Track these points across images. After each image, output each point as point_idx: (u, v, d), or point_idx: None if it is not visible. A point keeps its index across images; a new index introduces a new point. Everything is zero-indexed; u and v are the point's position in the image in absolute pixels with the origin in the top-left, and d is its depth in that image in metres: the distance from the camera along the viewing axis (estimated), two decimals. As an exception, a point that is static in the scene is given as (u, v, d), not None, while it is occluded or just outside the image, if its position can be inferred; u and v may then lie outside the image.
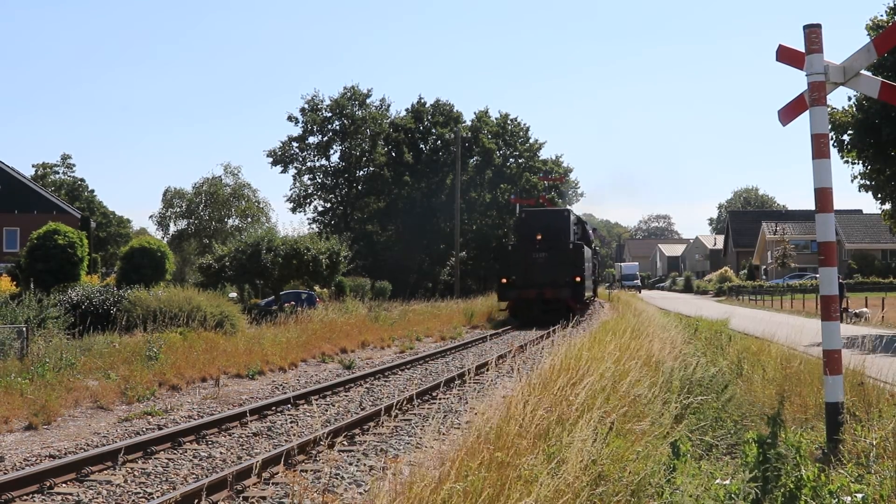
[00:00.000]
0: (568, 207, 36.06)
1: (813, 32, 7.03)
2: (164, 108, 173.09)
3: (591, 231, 46.14)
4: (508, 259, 34.78)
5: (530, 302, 32.94)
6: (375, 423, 10.76)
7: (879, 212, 29.00)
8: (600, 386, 7.06)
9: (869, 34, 23.60)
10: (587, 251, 36.28)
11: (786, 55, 7.38)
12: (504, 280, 33.90)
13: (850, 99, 24.88)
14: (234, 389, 14.81)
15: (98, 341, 16.98)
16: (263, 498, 7.18)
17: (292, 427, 10.86)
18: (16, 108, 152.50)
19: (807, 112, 7.24)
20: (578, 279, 33.18)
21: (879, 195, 25.91)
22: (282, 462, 8.04)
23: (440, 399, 12.94)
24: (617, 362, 8.46)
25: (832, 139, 24.65)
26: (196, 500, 6.77)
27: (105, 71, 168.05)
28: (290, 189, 67.98)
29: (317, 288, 39.93)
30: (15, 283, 27.30)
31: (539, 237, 33.50)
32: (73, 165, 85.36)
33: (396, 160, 66.22)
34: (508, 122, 69.13)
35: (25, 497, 7.41)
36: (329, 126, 66.92)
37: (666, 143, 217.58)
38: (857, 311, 30.85)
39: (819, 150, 7.01)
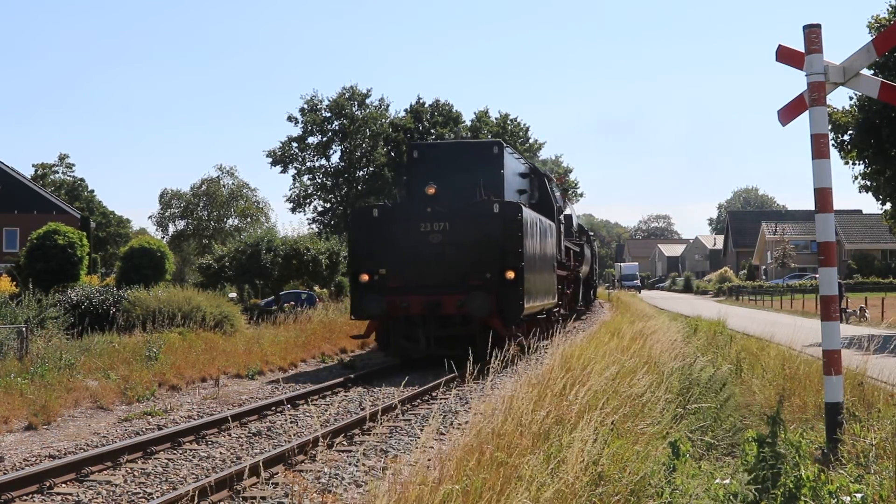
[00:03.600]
0: (501, 141, 20.00)
1: (813, 32, 7.03)
2: (163, 108, 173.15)
3: (572, 211, 30.83)
4: (371, 235, 17.34)
5: (413, 322, 16.79)
6: (375, 424, 10.73)
7: (880, 212, 29.01)
8: (600, 386, 7.06)
9: (871, 32, 23.59)
10: (544, 227, 19.46)
11: (786, 55, 7.38)
12: (365, 277, 17.12)
13: (851, 99, 24.89)
14: (233, 389, 14.81)
15: (98, 341, 16.98)
16: (263, 498, 7.18)
17: (292, 427, 10.86)
18: (16, 108, 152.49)
19: (807, 112, 7.24)
20: (511, 275, 16.45)
21: (880, 196, 25.92)
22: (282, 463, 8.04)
23: (440, 399, 12.94)
24: (617, 362, 8.46)
25: (833, 139, 24.66)
26: (196, 500, 6.76)
27: (105, 71, 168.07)
28: (290, 189, 67.94)
29: (316, 288, 39.92)
30: (14, 283, 27.29)
31: (431, 191, 16.89)
32: (73, 165, 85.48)
33: (396, 160, 66.21)
34: (508, 121, 69.10)
35: (25, 497, 7.41)
36: (328, 126, 66.86)
37: (666, 143, 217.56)
38: (851, 310, 30.83)
39: (819, 151, 7.02)
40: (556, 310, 21.91)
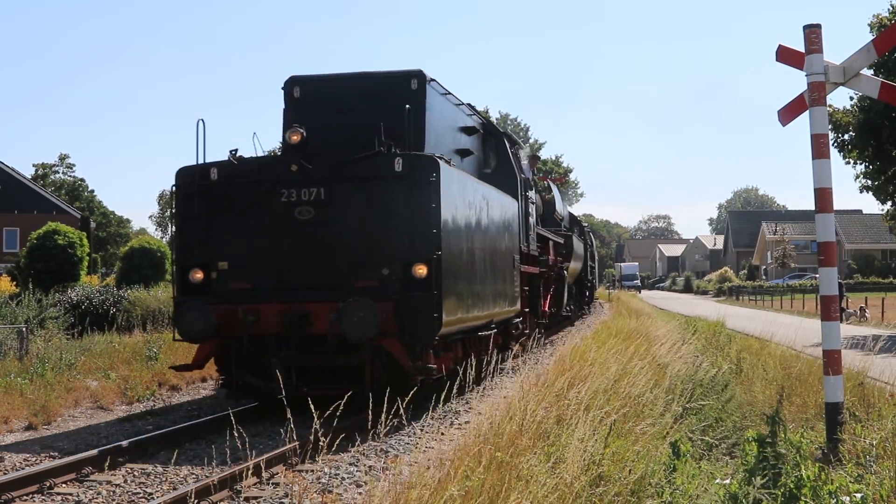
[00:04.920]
0: (423, 72, 12.32)
1: (813, 33, 7.03)
2: (163, 108, 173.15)
3: (556, 194, 26.15)
4: (208, 208, 11.13)
5: (265, 346, 10.55)
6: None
7: (881, 212, 29.03)
8: (600, 386, 7.07)
9: (872, 31, 23.59)
10: (496, 203, 13.94)
11: (786, 55, 7.39)
12: (198, 275, 11.17)
13: (851, 99, 24.89)
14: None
15: (98, 341, 16.98)
16: (263, 498, 7.18)
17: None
18: (16, 108, 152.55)
19: (807, 112, 7.24)
20: (422, 270, 10.30)
21: (881, 196, 25.95)
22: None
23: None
24: (616, 362, 8.47)
25: (833, 139, 24.68)
26: (196, 500, 6.76)
27: (105, 71, 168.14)
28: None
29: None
30: (14, 283, 27.32)
31: (296, 139, 10.78)
32: (73, 165, 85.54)
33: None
34: (508, 122, 69.16)
35: (25, 497, 7.41)
36: (329, 126, 66.84)
37: (666, 143, 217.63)
38: (852, 310, 30.86)
39: (819, 151, 7.02)
40: (516, 321, 15.37)
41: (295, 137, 10.77)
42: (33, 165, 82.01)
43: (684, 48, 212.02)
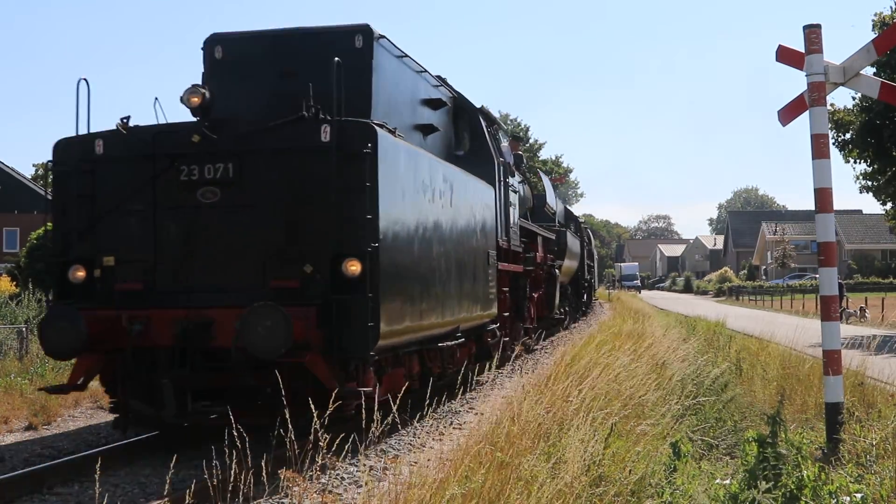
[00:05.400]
0: (371, 28, 9.92)
1: (813, 33, 7.03)
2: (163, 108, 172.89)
3: (546, 186, 24.64)
4: (92, 189, 8.79)
5: (157, 362, 8.20)
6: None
7: (882, 212, 29.06)
8: (601, 387, 7.07)
9: (874, 29, 23.60)
10: (464, 187, 11.56)
11: (786, 55, 7.39)
12: (79, 273, 8.78)
13: (854, 98, 24.89)
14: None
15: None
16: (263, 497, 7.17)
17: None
18: (16, 108, 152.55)
19: (807, 112, 7.24)
20: (354, 267, 8.01)
21: (881, 196, 25.97)
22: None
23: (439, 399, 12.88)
24: (618, 363, 8.46)
25: (834, 138, 24.69)
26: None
27: (105, 71, 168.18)
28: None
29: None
30: (14, 283, 27.29)
31: (196, 101, 8.41)
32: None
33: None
34: (508, 122, 69.16)
35: (25, 497, 7.41)
36: (329, 126, 66.83)
37: (666, 143, 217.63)
38: (852, 311, 30.86)
39: (819, 151, 7.02)
40: (492, 327, 13.05)
41: (194, 99, 8.39)
42: (33, 165, 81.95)
43: (685, 48, 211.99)
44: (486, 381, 12.04)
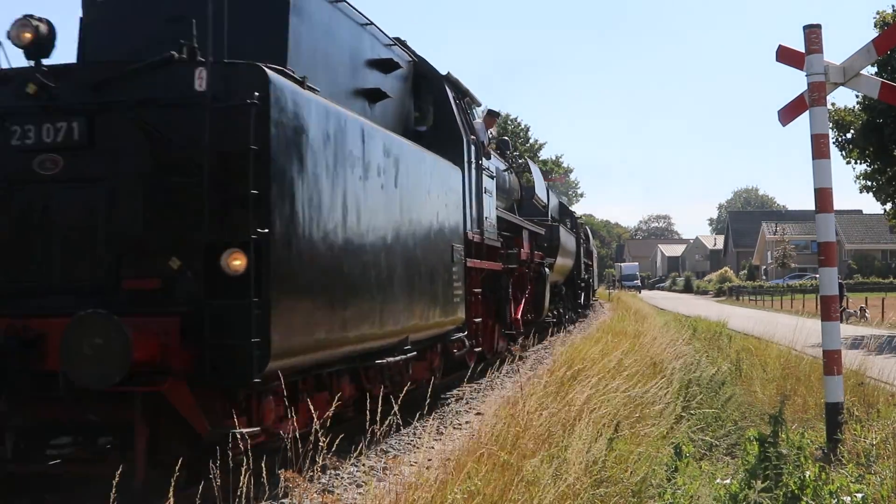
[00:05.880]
0: None
1: (813, 33, 7.04)
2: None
3: (537, 177, 23.22)
4: None
5: None
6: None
7: (882, 212, 29.06)
8: (602, 387, 7.08)
9: (875, 28, 23.60)
10: (434, 169, 9.92)
11: (786, 55, 7.39)
12: None
13: (856, 97, 24.87)
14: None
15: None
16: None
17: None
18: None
19: (807, 112, 7.25)
20: (237, 262, 5.67)
21: (882, 196, 25.97)
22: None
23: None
24: (619, 363, 8.47)
25: (834, 138, 24.69)
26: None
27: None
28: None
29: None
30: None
31: (27, 36, 5.96)
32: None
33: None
34: (508, 122, 69.15)
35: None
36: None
37: (666, 143, 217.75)
38: (852, 311, 30.88)
39: (819, 151, 7.02)
40: (457, 335, 10.88)
41: (26, 34, 6.10)
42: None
43: (685, 48, 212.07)
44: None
